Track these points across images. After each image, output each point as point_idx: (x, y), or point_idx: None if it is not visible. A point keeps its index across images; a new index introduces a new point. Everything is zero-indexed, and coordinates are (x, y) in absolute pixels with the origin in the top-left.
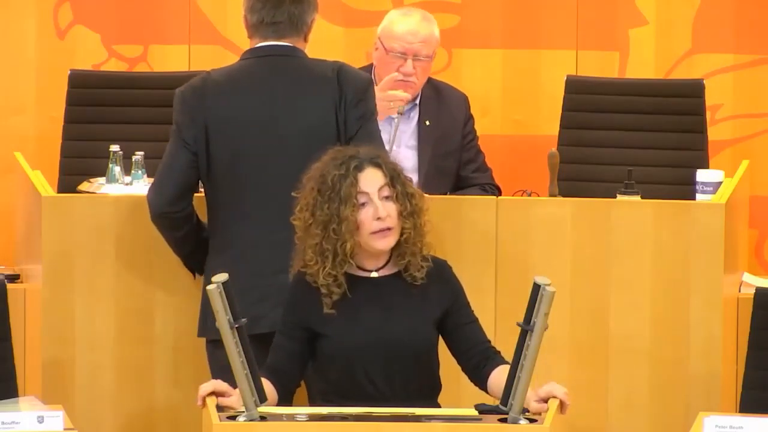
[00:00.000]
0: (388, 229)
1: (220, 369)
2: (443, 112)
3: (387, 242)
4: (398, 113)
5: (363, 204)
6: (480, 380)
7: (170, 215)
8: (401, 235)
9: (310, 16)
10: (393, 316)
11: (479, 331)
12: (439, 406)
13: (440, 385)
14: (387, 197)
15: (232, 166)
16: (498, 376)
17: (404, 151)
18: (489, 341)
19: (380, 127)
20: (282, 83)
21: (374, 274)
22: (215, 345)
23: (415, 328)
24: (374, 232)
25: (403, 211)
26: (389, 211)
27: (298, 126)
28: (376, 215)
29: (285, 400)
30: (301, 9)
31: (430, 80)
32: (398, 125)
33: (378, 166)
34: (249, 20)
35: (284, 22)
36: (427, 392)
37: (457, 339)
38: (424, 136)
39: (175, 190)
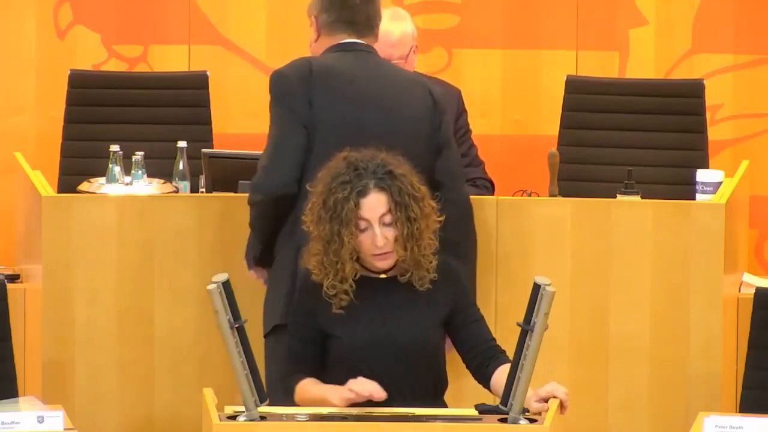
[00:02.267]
0: (388, 252)
1: (280, 361)
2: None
3: (386, 264)
4: None
5: (364, 229)
6: (484, 379)
7: (287, 197)
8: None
9: (380, 15)
10: (398, 317)
11: (484, 330)
12: (445, 405)
13: (446, 383)
14: (387, 224)
15: (322, 159)
16: (501, 375)
17: None
18: (493, 340)
19: None
20: (379, 83)
21: (382, 275)
22: (277, 337)
23: (420, 329)
24: (374, 254)
25: (399, 237)
26: (389, 237)
27: (390, 125)
28: (374, 243)
29: None
30: (374, 9)
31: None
32: None
33: (383, 189)
34: (324, 20)
35: (362, 23)
36: (433, 391)
37: (461, 338)
38: None
39: (295, 170)
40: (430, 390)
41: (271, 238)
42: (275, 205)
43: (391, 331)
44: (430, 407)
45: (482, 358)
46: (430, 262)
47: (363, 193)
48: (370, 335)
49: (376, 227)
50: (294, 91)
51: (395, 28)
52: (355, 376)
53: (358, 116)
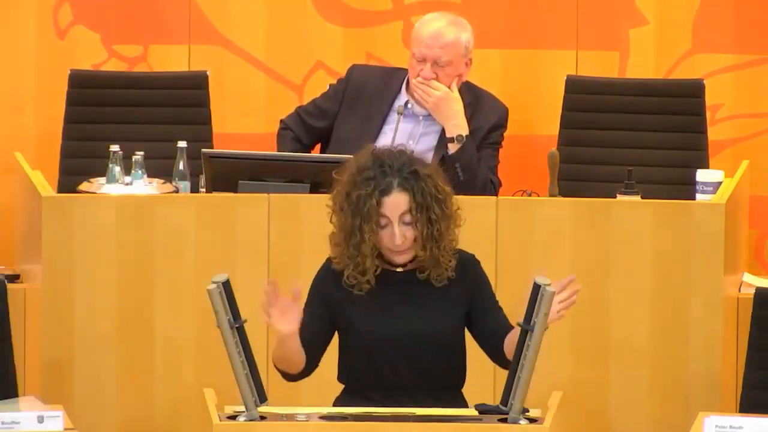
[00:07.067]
0: (406, 249)
1: None
2: (474, 121)
3: (403, 258)
4: (398, 113)
5: (384, 226)
6: (499, 359)
7: None
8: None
9: None
10: (416, 309)
11: (501, 317)
12: (463, 398)
13: (464, 377)
14: (407, 223)
15: None
16: (510, 340)
17: (423, 153)
18: (510, 326)
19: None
20: None
21: (400, 269)
22: None
23: (438, 321)
24: (391, 250)
25: (419, 237)
26: (407, 236)
27: None
28: (392, 240)
29: (309, 371)
30: None
31: (470, 87)
32: (399, 124)
33: (406, 189)
34: None
35: None
36: (450, 384)
37: (479, 327)
38: (443, 140)
39: None
40: (447, 382)
41: None
42: None
43: (407, 324)
44: (448, 399)
45: (496, 340)
46: (450, 261)
47: (386, 191)
48: (386, 327)
49: (396, 226)
50: None
51: (450, 32)
52: (372, 368)
53: None
